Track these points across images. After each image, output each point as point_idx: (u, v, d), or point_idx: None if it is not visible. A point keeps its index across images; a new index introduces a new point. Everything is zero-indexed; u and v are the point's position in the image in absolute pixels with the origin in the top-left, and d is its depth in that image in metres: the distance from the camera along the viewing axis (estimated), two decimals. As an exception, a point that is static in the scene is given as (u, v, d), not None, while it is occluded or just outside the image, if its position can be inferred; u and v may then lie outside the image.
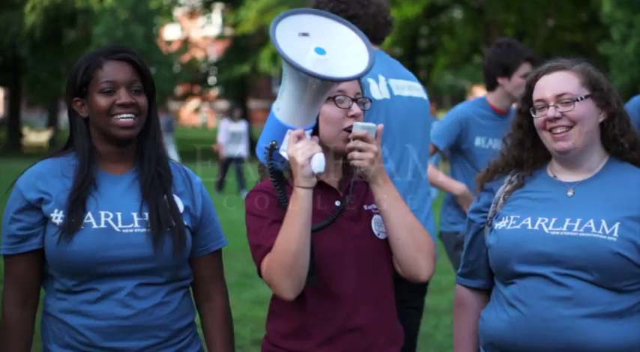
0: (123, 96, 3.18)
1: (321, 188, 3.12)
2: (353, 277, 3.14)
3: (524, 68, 5.95)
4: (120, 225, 3.16)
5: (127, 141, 3.25)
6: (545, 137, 3.21)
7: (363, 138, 3.04)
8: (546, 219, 3.15)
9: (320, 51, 2.90)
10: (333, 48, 2.93)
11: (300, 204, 2.96)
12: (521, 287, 3.12)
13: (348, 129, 3.11)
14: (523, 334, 3.10)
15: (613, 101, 3.23)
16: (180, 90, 42.71)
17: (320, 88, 2.90)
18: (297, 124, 2.98)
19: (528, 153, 3.30)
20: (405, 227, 3.10)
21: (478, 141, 6.04)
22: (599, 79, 3.22)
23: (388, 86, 4.49)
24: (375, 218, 3.20)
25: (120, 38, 32.86)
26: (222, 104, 54.28)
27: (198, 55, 45.14)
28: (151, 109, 3.29)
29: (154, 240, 3.17)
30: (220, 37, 44.46)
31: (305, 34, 2.93)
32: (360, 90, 3.21)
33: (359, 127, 3.05)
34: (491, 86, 6.11)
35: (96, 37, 33.60)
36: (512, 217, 3.21)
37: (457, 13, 40.96)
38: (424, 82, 52.86)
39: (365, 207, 3.22)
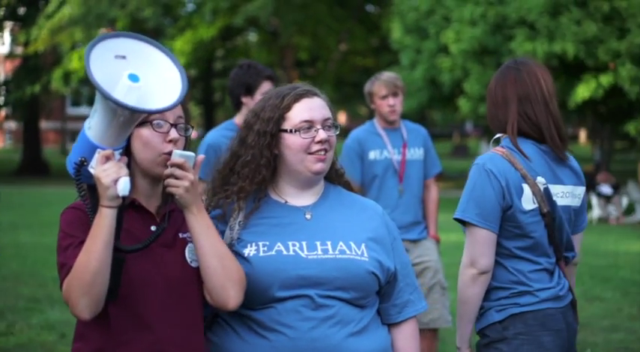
0: None
1: (138, 212, 3.13)
2: (161, 303, 3.12)
3: (265, 86, 6.23)
4: None
5: None
6: (304, 158, 3.28)
7: (180, 166, 3.04)
8: (297, 244, 3.24)
9: (133, 78, 2.91)
10: (148, 74, 2.94)
11: (102, 222, 2.94)
12: (282, 311, 3.18)
13: (167, 154, 3.11)
14: None
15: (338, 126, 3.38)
16: (-33, 109, 41.34)
17: (129, 116, 2.92)
18: (107, 144, 2.98)
19: (269, 174, 3.34)
20: (216, 255, 3.10)
21: None
22: (334, 111, 3.39)
23: None
24: (190, 246, 3.20)
25: None
26: (12, 124, 52.81)
27: (-13, 73, 43.85)
28: None
29: None
30: (10, 56, 43.28)
31: (122, 57, 2.93)
32: (184, 114, 3.19)
33: (177, 155, 3.06)
34: (237, 106, 6.36)
35: None
36: (260, 243, 3.25)
37: (252, 36, 41.28)
38: (219, 104, 52.83)
39: (180, 234, 3.22)
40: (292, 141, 3.27)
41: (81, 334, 3.17)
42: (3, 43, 41.55)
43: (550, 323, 3.87)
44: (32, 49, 36.04)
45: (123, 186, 2.91)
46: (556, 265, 3.93)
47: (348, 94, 41.28)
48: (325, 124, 3.30)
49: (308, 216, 3.31)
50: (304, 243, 3.25)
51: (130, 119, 2.94)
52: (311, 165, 3.28)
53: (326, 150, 3.28)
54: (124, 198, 2.95)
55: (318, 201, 3.36)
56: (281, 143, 3.29)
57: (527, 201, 3.85)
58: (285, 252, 3.23)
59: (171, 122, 3.14)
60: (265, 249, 3.24)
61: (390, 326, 3.42)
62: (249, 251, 3.24)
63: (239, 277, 3.13)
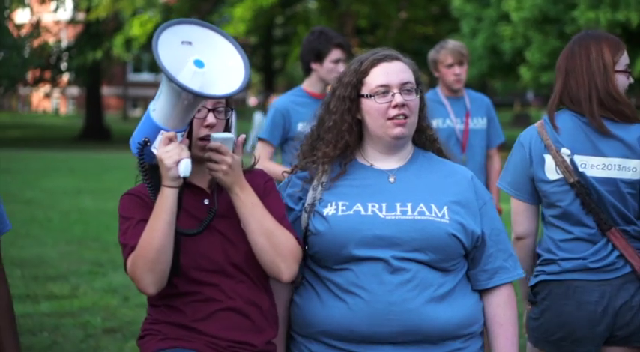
0: None
1: (189, 188, 3.20)
2: (222, 273, 3.22)
3: (335, 53, 6.30)
4: None
5: None
6: (383, 123, 3.30)
7: (217, 150, 3.12)
8: (377, 205, 3.27)
9: (199, 63, 3.00)
10: (212, 61, 3.03)
11: (165, 202, 3.05)
12: (360, 273, 3.21)
13: (204, 138, 3.20)
14: (364, 319, 3.19)
15: (424, 96, 3.40)
16: (30, 75, 41.74)
17: (193, 100, 3.00)
18: (170, 126, 3.07)
19: (354, 139, 3.37)
20: (263, 233, 3.16)
21: (301, 127, 6.30)
22: (419, 74, 3.39)
23: None
24: None
25: (-32, 21, 31.94)
26: (74, 90, 53.31)
27: (50, 39, 44.21)
28: None
29: None
30: (73, 22, 43.60)
31: (188, 43, 3.03)
32: (225, 98, 3.24)
33: (214, 139, 3.14)
34: (306, 72, 6.44)
35: (-58, 20, 32.60)
36: (340, 203, 3.28)
37: (312, 4, 41.17)
38: (279, 72, 52.89)
39: None
40: (370, 106, 3.29)
41: (154, 306, 3.26)
42: (65, 10, 41.86)
43: (576, 295, 3.91)
44: (94, 15, 36.35)
45: (184, 168, 3.02)
46: (603, 236, 3.93)
47: (408, 62, 40.84)
48: (403, 88, 3.29)
49: (391, 180, 3.33)
50: (384, 205, 3.27)
51: (194, 103, 3.03)
52: (390, 130, 3.28)
53: (405, 115, 3.28)
54: (185, 179, 3.06)
55: (404, 166, 3.36)
56: (361, 108, 3.31)
57: (551, 171, 3.93)
58: (363, 212, 3.26)
59: (209, 107, 3.22)
60: (344, 208, 3.27)
61: (482, 292, 3.39)
62: (328, 210, 3.28)
63: (289, 251, 3.19)
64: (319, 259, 3.31)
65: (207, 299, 3.19)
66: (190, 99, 3.00)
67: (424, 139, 3.45)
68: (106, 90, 48.55)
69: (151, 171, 3.13)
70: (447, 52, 7.06)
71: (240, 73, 3.07)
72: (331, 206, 3.29)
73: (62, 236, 12.64)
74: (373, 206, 3.27)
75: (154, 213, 3.07)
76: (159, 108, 3.08)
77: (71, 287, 9.23)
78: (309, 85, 6.47)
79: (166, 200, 3.06)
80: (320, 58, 6.31)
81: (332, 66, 6.32)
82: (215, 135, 3.16)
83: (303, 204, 3.35)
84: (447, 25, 34.24)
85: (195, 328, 3.18)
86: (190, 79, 2.97)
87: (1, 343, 3.34)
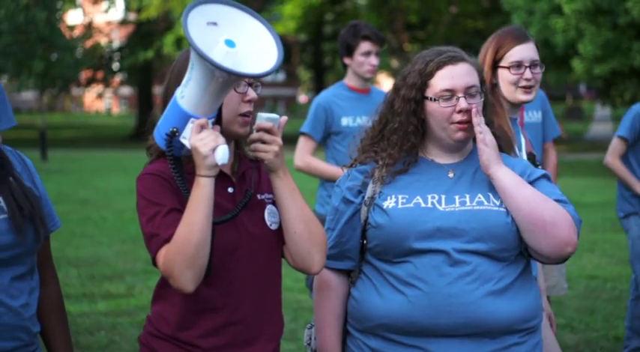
0: None
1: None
2: (243, 268, 3.10)
3: (364, 46, 6.23)
4: None
5: None
6: (446, 127, 3.28)
7: (268, 131, 3.00)
8: (436, 197, 3.24)
9: (230, 43, 2.87)
10: (243, 41, 2.90)
11: (202, 193, 2.90)
12: (419, 266, 3.18)
13: (244, 114, 3.07)
14: (425, 312, 3.16)
15: (486, 92, 3.36)
16: (83, 76, 42.16)
17: (226, 80, 2.86)
18: (201, 113, 2.92)
19: (419, 140, 3.33)
20: (303, 220, 3.07)
21: (345, 121, 6.28)
22: (483, 74, 3.37)
23: None
24: (269, 208, 3.16)
25: (21, 23, 32.33)
26: (126, 90, 53.75)
27: (102, 40, 44.61)
28: None
29: (16, 224, 3.06)
30: (124, 22, 43.99)
31: (213, 24, 2.89)
32: None
33: (263, 118, 3.00)
34: (344, 67, 6.40)
35: (-4, 23, 33.01)
36: (400, 196, 3.25)
37: (361, 0, 41.17)
38: (329, 69, 52.95)
39: (258, 196, 3.18)
40: (434, 110, 3.26)
41: (164, 297, 3.14)
42: (116, 10, 42.24)
43: None
44: (145, 15, 36.65)
45: (222, 155, 2.86)
46: None
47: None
48: (468, 92, 3.26)
49: (451, 175, 3.31)
50: (443, 197, 3.24)
51: (226, 84, 2.88)
52: (453, 134, 3.26)
53: (468, 120, 3.25)
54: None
55: (463, 161, 3.34)
56: (425, 110, 3.29)
57: None
58: (423, 205, 3.23)
59: (248, 81, 3.08)
60: (404, 201, 3.24)
61: None
62: (388, 203, 3.25)
63: (323, 242, 3.11)
64: (379, 252, 3.29)
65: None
66: (224, 79, 2.84)
67: None
68: (158, 90, 48.82)
69: (177, 163, 2.98)
70: None
71: (273, 51, 2.91)
72: (391, 199, 3.27)
73: (117, 235, 12.74)
74: (433, 198, 3.25)
75: (190, 206, 2.90)
76: (188, 94, 2.92)
77: (127, 287, 9.29)
78: (349, 79, 6.44)
79: (203, 190, 2.89)
80: (350, 51, 6.27)
81: (362, 59, 6.28)
82: (263, 115, 3.01)
83: (363, 197, 3.33)
84: (498, 18, 34.05)
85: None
86: (223, 58, 2.81)
87: (52, 342, 3.31)
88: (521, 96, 4.27)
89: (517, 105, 4.34)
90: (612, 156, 6.92)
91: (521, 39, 4.29)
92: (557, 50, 25.77)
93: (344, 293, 3.38)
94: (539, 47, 4.40)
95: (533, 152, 4.33)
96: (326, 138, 6.38)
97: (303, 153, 6.40)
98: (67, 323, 3.34)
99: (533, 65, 4.31)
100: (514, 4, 26.95)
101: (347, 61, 6.30)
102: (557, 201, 3.22)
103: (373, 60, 6.29)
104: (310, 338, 3.64)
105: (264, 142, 2.99)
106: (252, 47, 2.90)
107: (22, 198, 3.10)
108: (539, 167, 3.79)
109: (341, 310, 3.38)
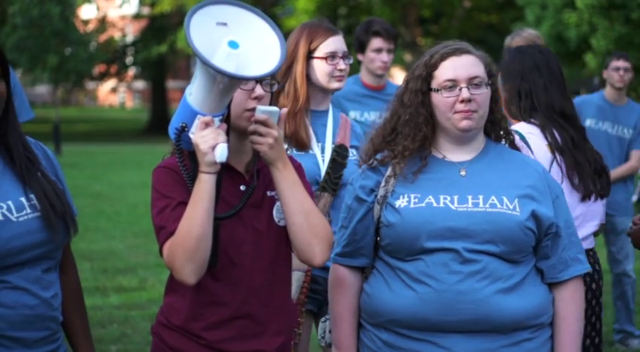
0: None
1: (226, 171, 3.10)
2: (251, 264, 3.14)
3: (375, 42, 6.24)
4: (15, 214, 3.07)
5: None
6: (450, 117, 3.30)
7: (264, 123, 3.05)
8: (449, 197, 3.26)
9: (233, 44, 2.92)
10: (247, 41, 2.95)
11: (202, 188, 2.97)
12: (430, 263, 3.21)
13: (251, 110, 3.10)
14: (434, 308, 3.19)
15: (498, 87, 3.39)
16: (97, 70, 42.21)
17: (228, 83, 2.93)
18: (207, 111, 2.99)
19: (431, 131, 3.36)
20: (302, 212, 3.09)
21: (353, 115, 6.24)
22: (492, 66, 3.38)
23: None
24: (277, 205, 3.19)
25: (35, 17, 32.37)
26: (140, 84, 53.79)
27: (116, 34, 44.66)
28: (9, 95, 3.16)
29: (48, 222, 3.10)
30: (137, 17, 44.00)
31: (223, 24, 2.94)
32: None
33: (260, 111, 3.06)
34: (358, 63, 6.39)
35: (11, 16, 33.06)
36: (412, 195, 3.27)
37: (375, -6, 41.07)
38: (342, 62, 52.89)
39: (268, 193, 3.22)
40: (438, 100, 3.29)
41: (175, 289, 3.19)
42: (130, 4, 42.27)
43: None
44: (158, 9, 36.66)
45: (220, 153, 2.92)
46: None
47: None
48: (471, 83, 3.28)
49: (463, 173, 3.33)
50: (455, 197, 3.26)
51: (230, 86, 2.95)
52: (457, 123, 3.28)
53: (472, 110, 3.27)
54: (222, 165, 2.97)
55: (476, 158, 3.35)
56: (431, 101, 3.31)
57: None
58: (435, 204, 3.25)
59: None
60: (416, 200, 3.27)
61: (552, 286, 3.36)
62: (400, 202, 3.28)
63: (325, 234, 3.12)
64: (391, 250, 3.31)
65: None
66: (226, 82, 2.91)
67: (497, 131, 3.43)
68: (171, 84, 48.92)
69: (189, 157, 3.06)
70: (520, 39, 7.01)
71: (277, 53, 2.97)
72: (403, 198, 3.29)
73: (130, 229, 12.79)
74: (445, 198, 3.26)
75: (191, 201, 2.98)
76: (195, 92, 3.01)
77: (139, 280, 9.34)
78: (363, 75, 6.48)
79: (204, 186, 2.97)
80: (362, 48, 6.28)
81: (373, 55, 6.29)
82: (261, 107, 3.07)
83: (376, 195, 3.35)
84: (512, 13, 33.94)
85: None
86: (224, 60, 2.88)
87: (70, 326, 3.35)
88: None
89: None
90: None
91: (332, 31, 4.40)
92: (570, 45, 25.69)
93: (358, 290, 3.41)
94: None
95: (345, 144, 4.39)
96: None
97: None
98: (85, 309, 3.39)
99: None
100: (527, -1, 26.87)
101: (360, 57, 6.31)
102: None
103: (384, 56, 6.30)
104: (325, 331, 3.68)
105: (260, 135, 3.04)
106: (256, 47, 2.94)
107: (53, 196, 3.14)
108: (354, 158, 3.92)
109: (355, 306, 3.41)
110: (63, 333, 3.29)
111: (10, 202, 3.08)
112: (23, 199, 3.10)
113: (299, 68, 4.31)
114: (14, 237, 3.05)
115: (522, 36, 7.05)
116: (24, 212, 3.09)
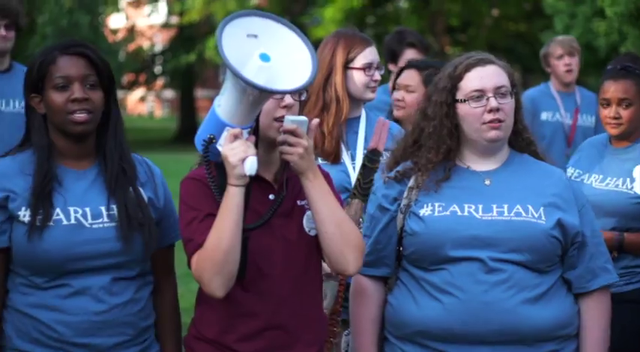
0: (76, 92, 3.14)
1: (255, 180, 3.09)
2: (281, 274, 3.14)
3: (409, 53, 6.24)
4: (90, 221, 3.14)
5: (83, 137, 3.22)
6: (478, 127, 3.29)
7: (293, 132, 3.04)
8: (473, 206, 3.27)
9: (264, 57, 2.93)
10: (278, 54, 2.95)
11: (231, 201, 2.97)
12: (455, 273, 3.21)
13: (280, 119, 3.10)
14: (460, 319, 3.20)
15: (520, 98, 3.39)
16: (125, 79, 42.36)
17: (258, 96, 2.93)
18: (236, 122, 3.00)
19: (455, 143, 3.37)
20: (333, 221, 3.09)
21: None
22: (514, 77, 3.37)
23: None
24: (308, 214, 3.20)
25: (65, 27, 32.52)
26: (169, 93, 53.94)
27: (144, 43, 44.82)
28: (109, 103, 3.25)
29: (123, 233, 3.16)
30: (166, 26, 44.13)
31: (254, 36, 2.95)
32: None
33: (289, 121, 3.05)
34: (388, 73, 6.29)
35: (40, 26, 33.24)
36: (436, 204, 3.28)
37: (403, 3, 41.01)
38: (370, 71, 52.90)
39: (298, 202, 3.22)
40: (465, 111, 3.29)
41: (206, 301, 3.20)
42: (159, 14, 42.42)
43: None
44: (187, 19, 36.75)
45: (250, 166, 2.93)
46: None
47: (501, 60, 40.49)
48: (498, 92, 3.28)
49: (487, 182, 3.32)
50: (480, 206, 3.27)
51: (259, 98, 2.95)
52: (485, 134, 3.28)
53: (500, 119, 3.26)
54: (251, 177, 2.96)
55: (500, 168, 3.36)
56: (457, 113, 3.30)
57: None
58: (459, 213, 3.25)
59: None
60: (441, 209, 3.27)
61: (578, 296, 3.35)
62: (424, 211, 3.28)
63: (357, 242, 3.12)
64: (415, 260, 3.30)
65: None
66: (256, 95, 2.92)
67: (520, 141, 3.42)
68: (200, 93, 48.98)
69: (217, 169, 3.05)
70: (556, 44, 7.02)
71: (308, 66, 2.98)
72: (427, 207, 3.29)
73: (159, 238, 12.77)
74: (469, 207, 3.26)
75: (220, 213, 2.98)
76: (224, 104, 3.01)
77: (168, 289, 9.32)
78: (390, 85, 6.42)
79: (232, 199, 2.98)
80: (394, 58, 6.24)
81: None
82: (289, 117, 3.06)
83: (399, 204, 3.34)
84: (540, 22, 33.74)
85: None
86: (255, 73, 2.88)
87: (163, 345, 3.42)
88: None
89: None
90: None
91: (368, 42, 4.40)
92: (600, 54, 25.57)
93: (380, 300, 3.41)
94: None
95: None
96: None
97: None
98: (179, 332, 3.44)
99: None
100: (556, 8, 26.71)
101: (392, 67, 6.27)
102: None
103: None
104: (348, 345, 3.68)
105: (289, 145, 3.03)
106: (287, 60, 2.95)
107: (134, 209, 3.20)
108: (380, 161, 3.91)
109: (377, 316, 3.41)
110: (152, 336, 3.35)
111: (87, 209, 3.16)
112: (103, 208, 3.18)
113: (338, 79, 4.28)
114: (84, 242, 3.13)
115: (557, 40, 7.03)
116: (100, 220, 3.16)
